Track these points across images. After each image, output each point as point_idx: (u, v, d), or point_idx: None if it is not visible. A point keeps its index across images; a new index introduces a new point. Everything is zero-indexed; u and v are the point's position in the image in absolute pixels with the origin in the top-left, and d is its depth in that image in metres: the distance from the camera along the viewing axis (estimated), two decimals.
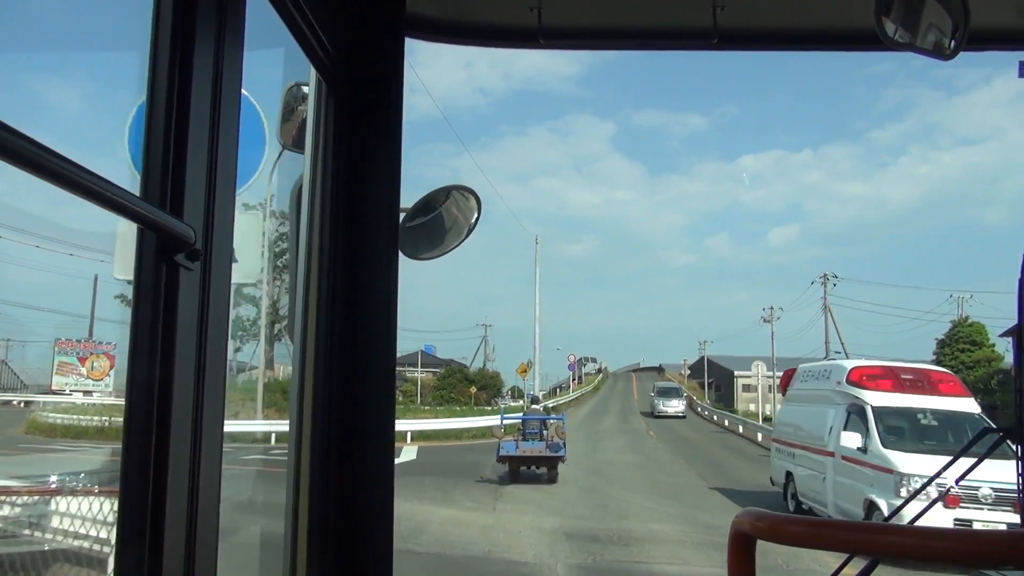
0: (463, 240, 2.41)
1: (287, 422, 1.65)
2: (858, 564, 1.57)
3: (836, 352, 54.98)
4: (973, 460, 2.01)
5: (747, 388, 74.19)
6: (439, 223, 2.34)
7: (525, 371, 51.58)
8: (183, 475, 1.02)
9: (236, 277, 1.17)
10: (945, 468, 2.08)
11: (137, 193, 1.00)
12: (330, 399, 1.66)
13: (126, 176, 1.00)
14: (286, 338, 1.69)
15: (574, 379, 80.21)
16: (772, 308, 65.20)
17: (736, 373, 74.37)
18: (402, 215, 1.99)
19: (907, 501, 1.78)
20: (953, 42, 1.72)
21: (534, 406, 25.86)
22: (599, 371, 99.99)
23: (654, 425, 46.34)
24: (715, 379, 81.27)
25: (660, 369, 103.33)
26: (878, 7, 1.69)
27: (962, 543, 0.86)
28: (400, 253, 1.81)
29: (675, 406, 53.85)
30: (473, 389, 55.12)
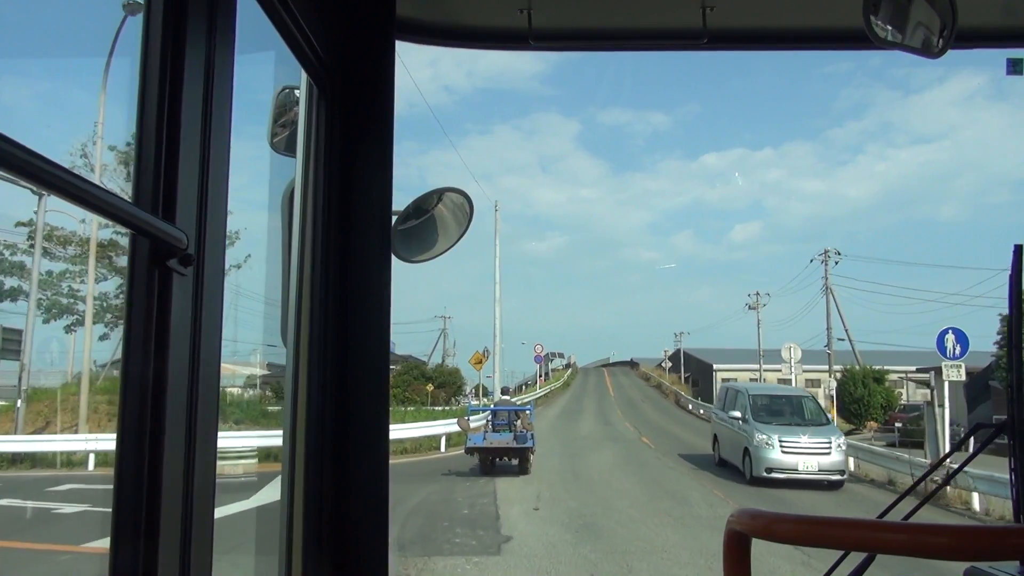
0: (455, 243, 2.41)
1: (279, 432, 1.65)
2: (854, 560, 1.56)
3: (839, 339, 51.33)
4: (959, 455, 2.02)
5: (726, 382, 71.52)
6: (431, 225, 2.34)
7: (480, 362, 39.91)
8: (177, 481, 1.01)
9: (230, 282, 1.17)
10: (941, 461, 2.09)
11: (128, 198, 1.00)
12: (323, 402, 1.66)
13: (117, 181, 1.00)
14: (279, 342, 1.69)
15: (542, 374, 74.12)
16: (758, 294, 61.50)
17: (715, 367, 70.35)
18: (394, 218, 1.99)
19: (903, 496, 1.79)
20: (941, 40, 1.73)
21: (504, 397, 25.14)
22: (568, 366, 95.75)
23: (645, 427, 38.13)
24: (691, 373, 76.55)
25: (633, 364, 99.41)
26: (866, 6, 1.70)
27: (957, 538, 0.86)
28: (392, 256, 1.82)
29: (823, 453, 19.45)
30: (430, 387, 47.03)
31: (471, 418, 22.71)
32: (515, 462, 20.49)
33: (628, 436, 34.14)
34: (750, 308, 61.44)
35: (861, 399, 44.41)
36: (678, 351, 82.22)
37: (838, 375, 46.84)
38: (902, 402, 47.75)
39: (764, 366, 58.14)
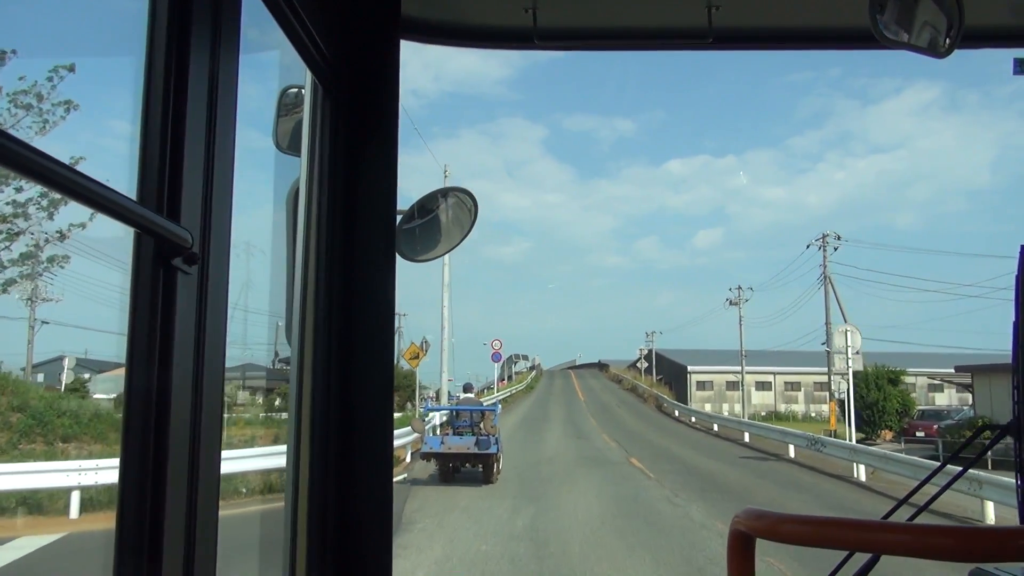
0: (460, 242, 2.41)
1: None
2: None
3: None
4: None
5: (702, 385, 67.39)
6: (435, 225, 2.34)
7: (417, 356, 31.72)
8: (182, 481, 1.01)
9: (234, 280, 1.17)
10: (944, 464, 2.08)
11: (133, 197, 1.00)
12: (328, 402, 1.66)
13: (122, 180, 1.00)
14: (284, 341, 1.69)
15: (503, 379, 67.68)
16: (740, 288, 55.79)
17: (690, 368, 67.67)
18: (398, 217, 1.99)
19: (907, 497, 1.78)
20: (948, 40, 1.72)
21: (467, 395, 21.33)
22: (532, 368, 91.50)
23: (631, 442, 30.22)
24: (664, 375, 71.92)
25: (602, 365, 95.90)
26: (872, 5, 1.69)
27: (962, 539, 0.86)
28: (397, 255, 1.81)
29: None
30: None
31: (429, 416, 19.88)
32: (479, 468, 18.29)
33: (611, 456, 25.22)
34: (731, 304, 56.35)
35: (875, 404, 38.85)
36: (650, 352, 77.96)
37: (845, 376, 42.07)
38: (919, 407, 42.01)
39: (747, 367, 54.64)
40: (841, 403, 35.01)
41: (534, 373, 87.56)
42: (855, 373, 38.83)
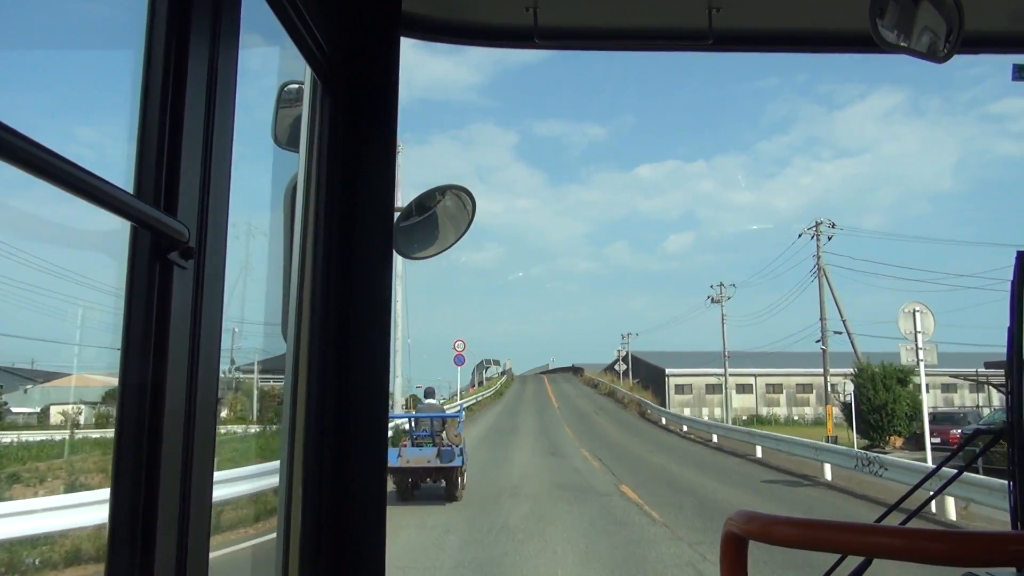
0: (458, 239, 2.41)
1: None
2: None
3: (836, 332, 39.94)
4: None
5: (681, 389, 64.38)
6: (433, 222, 2.34)
7: None
8: (175, 475, 1.01)
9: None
10: (939, 467, 2.09)
11: (130, 191, 1.00)
12: (323, 400, 1.66)
13: (119, 174, 1.00)
14: (279, 337, 1.69)
15: (473, 384, 64.01)
16: (722, 285, 52.47)
17: (668, 372, 64.13)
18: (396, 214, 1.99)
19: (898, 503, 1.79)
20: (947, 45, 1.72)
21: (428, 400, 19.13)
22: (504, 373, 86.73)
23: (617, 462, 24.17)
24: (641, 379, 67.79)
25: (576, 369, 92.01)
26: (872, 9, 1.70)
27: (954, 544, 0.86)
28: (395, 252, 1.81)
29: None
30: None
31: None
32: (441, 483, 16.31)
33: (596, 483, 19.49)
34: (713, 301, 52.65)
35: (883, 407, 33.77)
36: (628, 354, 73.93)
37: (849, 377, 35.70)
38: (930, 409, 29.27)
39: (731, 369, 51.80)
40: (847, 407, 32.04)
41: (504, 378, 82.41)
42: (859, 372, 35.21)
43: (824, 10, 2.00)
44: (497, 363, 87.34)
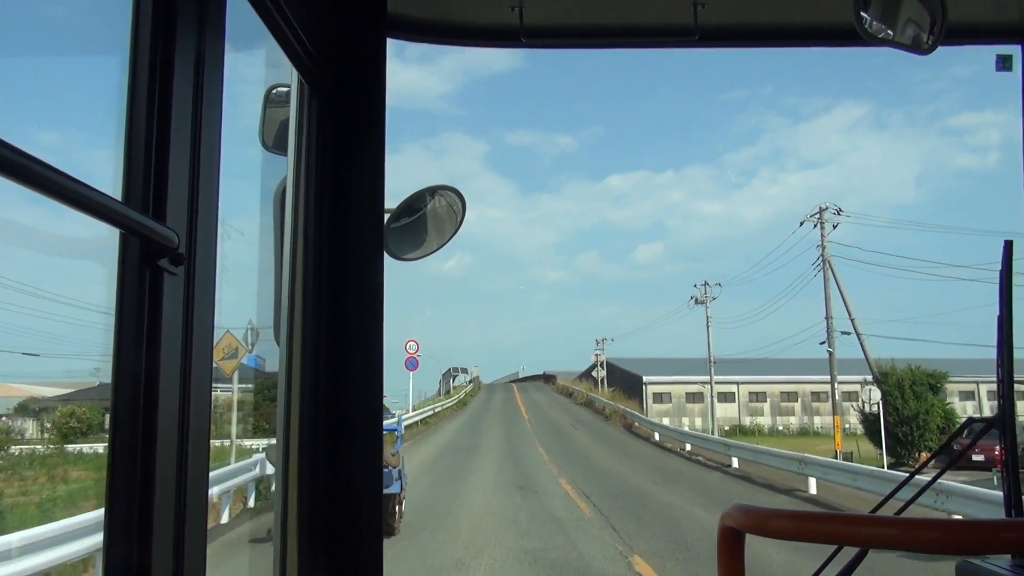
0: (448, 240, 2.40)
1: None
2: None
3: (844, 332, 33.29)
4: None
5: (659, 397, 59.38)
6: (423, 224, 2.34)
7: (236, 356, 14.89)
8: (170, 481, 1.01)
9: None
10: (931, 459, 2.10)
11: (119, 197, 0.99)
12: (317, 401, 1.66)
13: (107, 180, 0.99)
14: (272, 340, 1.69)
15: (439, 394, 58.94)
16: (706, 284, 47.73)
17: (645, 379, 59.25)
18: (386, 216, 1.99)
19: (895, 491, 1.80)
20: (931, 37, 1.73)
21: None
22: (471, 381, 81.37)
23: (598, 488, 18.97)
24: (617, 387, 61.87)
25: (548, 377, 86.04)
26: (857, 2, 1.70)
27: (949, 532, 0.87)
28: (385, 254, 1.81)
29: None
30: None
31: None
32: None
33: (591, 549, 12.36)
34: (697, 302, 47.93)
35: (915, 418, 29.21)
36: (604, 360, 68.22)
37: (869, 383, 31.05)
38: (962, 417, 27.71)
39: (717, 376, 47.30)
40: (868, 417, 28.61)
41: (471, 386, 76.06)
42: (881, 376, 30.12)
43: (808, 4, 2.01)
44: (465, 371, 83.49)
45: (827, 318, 33.49)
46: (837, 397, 33.47)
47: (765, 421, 58.73)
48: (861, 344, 33.02)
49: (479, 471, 22.95)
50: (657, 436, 36.37)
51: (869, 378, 32.33)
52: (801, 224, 35.67)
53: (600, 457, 28.37)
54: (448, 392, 65.96)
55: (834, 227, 34.65)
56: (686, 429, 38.09)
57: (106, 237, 0.97)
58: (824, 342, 33.67)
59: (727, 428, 52.71)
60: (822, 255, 34.34)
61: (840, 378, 33.75)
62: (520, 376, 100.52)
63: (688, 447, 31.33)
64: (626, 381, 61.65)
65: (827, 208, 34.77)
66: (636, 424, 42.34)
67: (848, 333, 33.30)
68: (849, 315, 33.28)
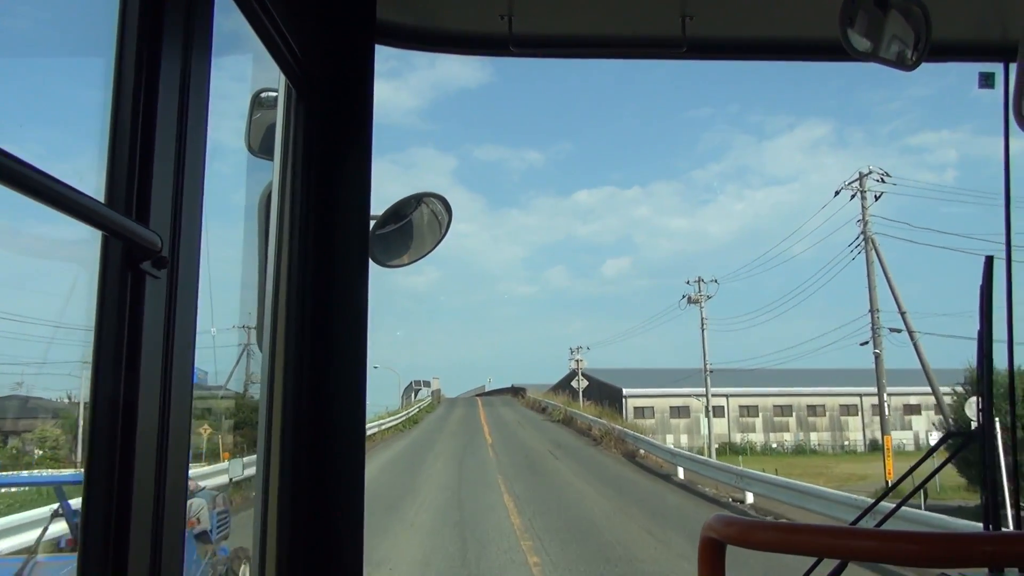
0: (434, 247, 2.40)
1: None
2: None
3: (893, 329, 26.65)
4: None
5: (641, 412, 52.92)
6: (409, 230, 2.34)
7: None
8: (148, 486, 1.00)
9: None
10: (911, 471, 2.12)
11: (102, 199, 0.98)
12: (300, 406, 1.64)
13: (90, 182, 0.98)
14: (255, 347, 1.68)
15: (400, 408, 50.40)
16: (700, 280, 40.96)
17: (625, 392, 53.82)
18: (372, 222, 1.98)
19: (873, 505, 1.81)
20: (915, 53, 1.76)
21: None
22: (432, 394, 74.47)
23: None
24: (594, 399, 53.25)
25: (517, 390, 76.40)
26: (843, 18, 1.72)
27: (928, 545, 0.87)
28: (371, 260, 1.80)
29: None
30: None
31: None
32: None
33: None
34: (690, 302, 41.45)
35: None
36: (571, 373, 60.27)
37: (964, 388, 22.17)
38: None
39: (697, 390, 42.00)
40: (955, 438, 10.17)
41: (429, 399, 68.78)
42: (963, 388, 22.04)
43: (795, 19, 2.03)
44: (428, 384, 76.38)
45: (871, 311, 26.71)
46: (887, 412, 26.89)
47: (757, 438, 53.48)
48: (914, 343, 26.46)
49: (414, 520, 14.66)
50: (681, 473, 24.12)
51: (960, 387, 23.23)
52: (837, 194, 28.34)
53: (606, 516, 17.05)
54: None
55: (876, 198, 27.49)
56: (741, 468, 22.11)
57: (87, 239, 0.96)
58: (867, 342, 26.85)
59: (716, 446, 42.21)
60: (863, 232, 27.56)
61: (856, 389, 29.67)
62: (487, 390, 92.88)
63: (751, 498, 19.68)
64: (604, 394, 53.99)
65: (870, 173, 27.49)
66: (643, 452, 29.88)
67: (899, 330, 26.47)
68: (899, 308, 26.44)
